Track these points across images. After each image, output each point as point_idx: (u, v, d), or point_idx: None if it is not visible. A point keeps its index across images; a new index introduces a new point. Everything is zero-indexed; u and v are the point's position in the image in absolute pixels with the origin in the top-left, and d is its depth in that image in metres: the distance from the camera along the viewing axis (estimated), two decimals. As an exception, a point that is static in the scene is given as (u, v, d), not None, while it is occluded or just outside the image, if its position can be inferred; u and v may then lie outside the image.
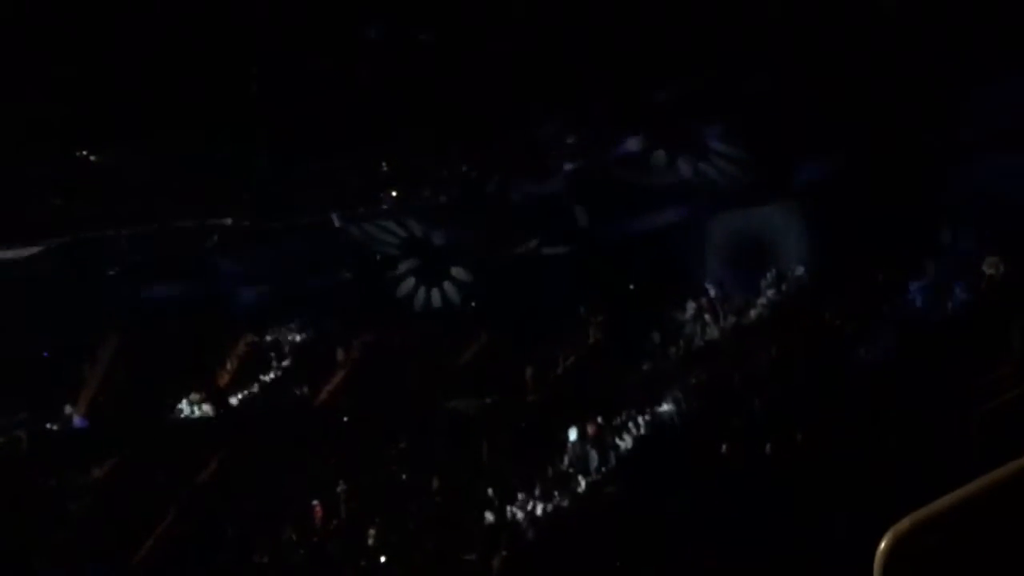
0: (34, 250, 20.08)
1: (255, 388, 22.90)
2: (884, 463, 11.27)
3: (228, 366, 22.97)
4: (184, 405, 22.47)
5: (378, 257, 22.47)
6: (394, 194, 20.47)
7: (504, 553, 14.08)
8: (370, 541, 18.82)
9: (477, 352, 22.52)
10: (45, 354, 21.78)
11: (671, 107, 17.45)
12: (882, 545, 1.09)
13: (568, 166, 19.65)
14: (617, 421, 18.38)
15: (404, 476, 20.67)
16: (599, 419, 18.72)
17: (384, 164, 19.76)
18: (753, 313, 19.10)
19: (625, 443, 17.51)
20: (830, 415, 13.77)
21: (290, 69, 14.93)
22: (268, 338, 23.30)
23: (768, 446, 13.76)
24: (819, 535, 11.46)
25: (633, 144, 18.61)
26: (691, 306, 20.42)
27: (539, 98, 17.01)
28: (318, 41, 14.29)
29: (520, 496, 16.71)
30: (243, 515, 20.50)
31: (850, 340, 15.91)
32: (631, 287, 21.76)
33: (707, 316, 20.06)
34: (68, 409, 21.75)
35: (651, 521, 13.31)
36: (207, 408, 22.20)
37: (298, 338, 23.44)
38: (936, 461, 10.32)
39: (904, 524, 1.09)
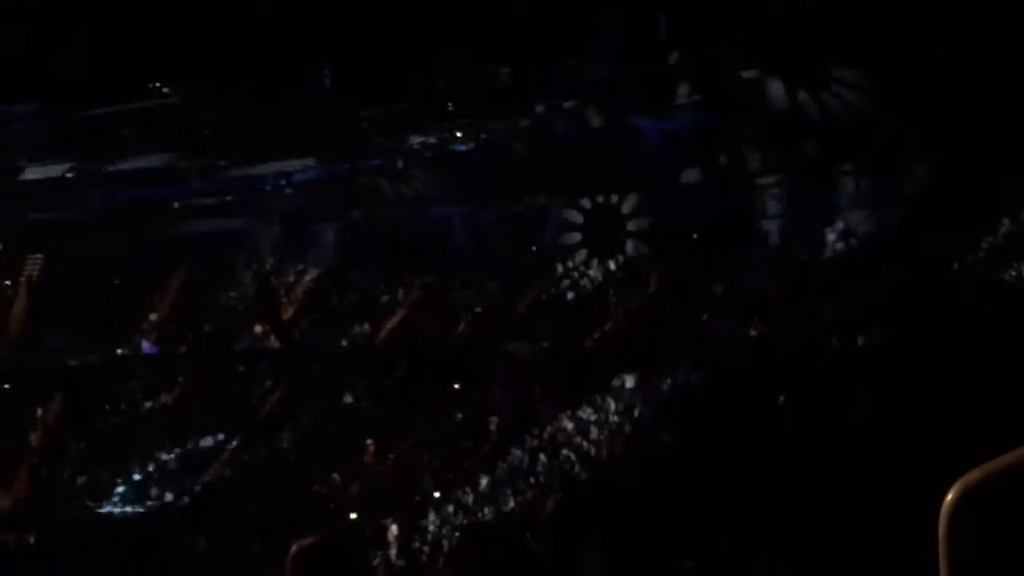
0: (106, 181, 20.51)
1: (317, 324, 23.24)
2: (956, 415, 11.12)
3: (292, 301, 23.33)
4: (248, 337, 22.93)
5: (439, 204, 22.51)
6: (459, 134, 20.42)
7: (559, 494, 14.24)
8: (425, 479, 19.11)
9: (535, 297, 22.54)
10: (116, 281, 22.30)
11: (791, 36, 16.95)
12: (949, 496, 1.08)
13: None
14: (673, 370, 18.34)
15: (459, 416, 20.87)
16: (654, 367, 18.68)
17: (450, 104, 19.70)
18: (816, 267, 18.82)
19: (681, 392, 17.48)
20: (898, 368, 13.58)
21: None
22: (331, 275, 23.57)
23: (830, 399, 13.64)
24: (886, 484, 11.35)
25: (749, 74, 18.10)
26: (751, 257, 20.15)
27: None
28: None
29: (575, 439, 16.83)
30: (300, 447, 20.94)
31: (928, 290, 15.55)
32: (694, 236, 21.49)
33: (767, 267, 19.79)
34: (138, 335, 22.36)
35: (703, 470, 13.33)
36: (271, 341, 22.63)
37: (359, 276, 23.66)
38: (1010, 414, 10.15)
39: (974, 475, 1.08)
